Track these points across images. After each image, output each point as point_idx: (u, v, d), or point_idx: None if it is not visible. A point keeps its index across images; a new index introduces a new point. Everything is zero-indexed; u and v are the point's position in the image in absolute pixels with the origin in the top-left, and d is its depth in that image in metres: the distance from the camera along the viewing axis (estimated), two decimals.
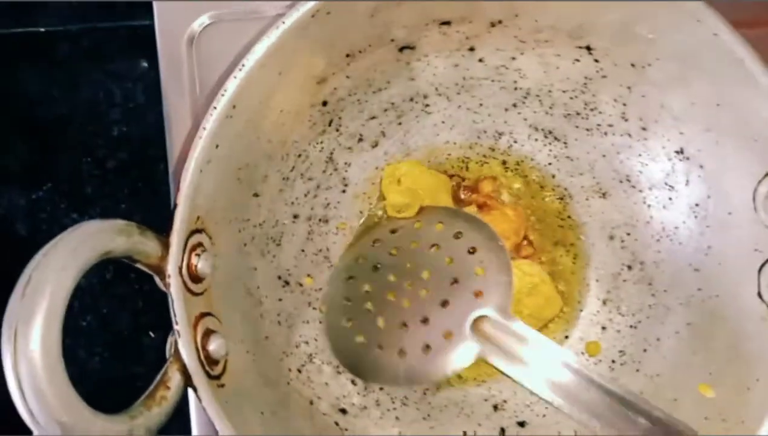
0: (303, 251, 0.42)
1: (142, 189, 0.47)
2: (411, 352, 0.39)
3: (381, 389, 0.42)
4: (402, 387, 0.41)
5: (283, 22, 0.32)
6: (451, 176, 0.44)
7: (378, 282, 0.41)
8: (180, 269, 0.31)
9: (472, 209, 0.43)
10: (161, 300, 0.31)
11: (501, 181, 0.44)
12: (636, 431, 0.33)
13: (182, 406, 0.40)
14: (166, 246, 0.31)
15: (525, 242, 0.44)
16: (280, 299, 0.40)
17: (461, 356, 0.38)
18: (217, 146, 0.32)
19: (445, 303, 0.39)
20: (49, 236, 0.27)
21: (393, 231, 0.42)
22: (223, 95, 0.32)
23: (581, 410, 0.35)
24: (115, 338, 0.46)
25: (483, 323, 0.38)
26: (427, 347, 0.39)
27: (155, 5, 0.44)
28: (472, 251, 0.40)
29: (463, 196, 0.44)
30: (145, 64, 0.48)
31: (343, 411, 0.40)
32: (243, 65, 0.32)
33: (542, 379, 0.36)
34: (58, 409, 0.25)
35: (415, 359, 0.39)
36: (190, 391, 0.31)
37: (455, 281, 0.39)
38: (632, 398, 0.34)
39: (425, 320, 0.39)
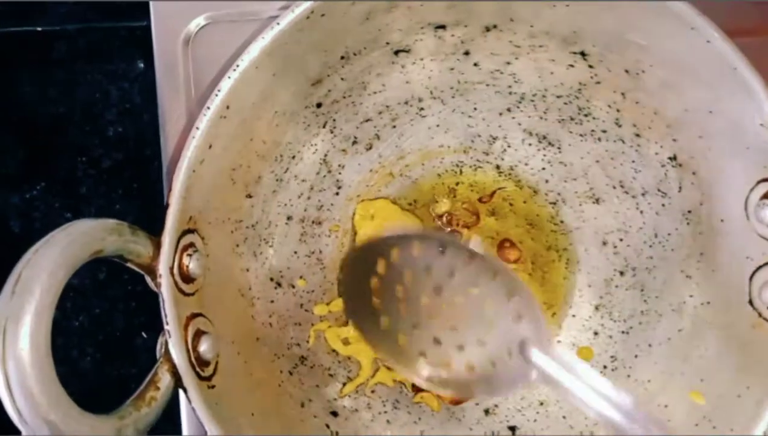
0: (296, 252, 0.42)
1: (136, 189, 0.47)
2: (477, 365, 0.36)
3: (372, 391, 0.42)
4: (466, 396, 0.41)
5: (278, 23, 0.32)
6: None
7: (411, 305, 0.38)
8: (171, 269, 0.31)
9: None
10: (154, 301, 0.31)
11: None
12: None
13: (173, 407, 0.40)
14: (157, 246, 0.31)
15: (509, 245, 0.44)
16: (272, 301, 0.40)
17: (518, 376, 0.35)
18: (210, 146, 0.32)
19: (491, 327, 0.36)
20: (42, 236, 0.27)
21: (397, 257, 0.37)
22: (216, 95, 0.32)
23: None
24: (108, 338, 0.46)
25: (529, 347, 0.35)
26: (492, 363, 0.36)
27: (152, 6, 0.44)
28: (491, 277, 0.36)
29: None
30: (142, 65, 0.47)
31: (335, 414, 0.40)
32: (237, 65, 0.32)
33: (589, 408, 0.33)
34: (46, 408, 0.25)
35: (480, 372, 0.36)
36: (181, 392, 0.31)
37: (489, 306, 0.36)
38: None
39: (480, 342, 0.36)
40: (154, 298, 0.31)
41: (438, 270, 0.36)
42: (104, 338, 0.46)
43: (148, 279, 0.32)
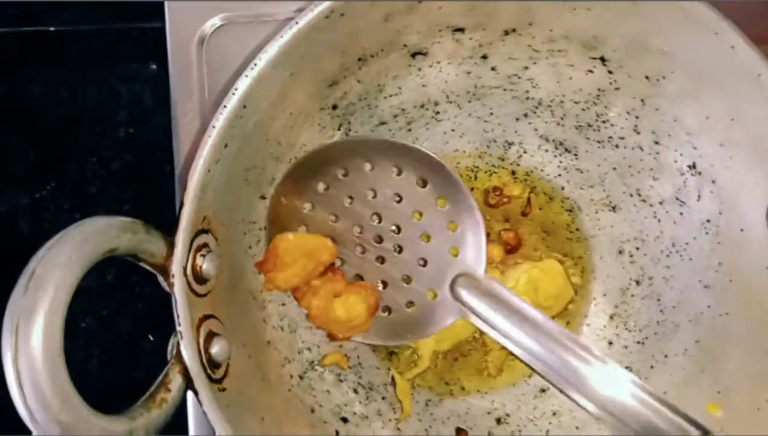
0: None
1: (146, 191, 0.47)
2: (394, 308, 0.38)
3: (383, 398, 0.41)
4: (384, 343, 0.40)
5: (297, 23, 0.31)
6: None
7: (343, 234, 0.39)
8: (185, 269, 0.31)
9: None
10: (161, 303, 0.31)
11: None
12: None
13: (180, 409, 0.40)
14: (171, 245, 0.31)
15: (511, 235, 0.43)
16: (283, 304, 0.40)
17: (443, 315, 0.37)
18: (225, 146, 0.32)
19: (423, 262, 0.38)
20: (51, 235, 0.27)
21: (344, 174, 0.38)
22: (234, 94, 0.31)
23: (554, 376, 0.35)
24: (115, 340, 0.45)
25: (462, 282, 0.37)
26: (410, 303, 0.38)
27: (167, 6, 0.44)
28: (442, 203, 0.38)
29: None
30: (154, 67, 0.47)
31: (345, 420, 0.39)
32: (255, 64, 0.31)
33: (518, 342, 0.36)
34: (58, 408, 0.24)
35: (398, 315, 0.38)
36: (190, 394, 0.31)
37: (428, 237, 0.38)
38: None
39: (406, 279, 0.38)
40: (161, 300, 0.31)
41: (384, 193, 0.38)
42: (111, 339, 0.45)
43: (160, 279, 0.31)
